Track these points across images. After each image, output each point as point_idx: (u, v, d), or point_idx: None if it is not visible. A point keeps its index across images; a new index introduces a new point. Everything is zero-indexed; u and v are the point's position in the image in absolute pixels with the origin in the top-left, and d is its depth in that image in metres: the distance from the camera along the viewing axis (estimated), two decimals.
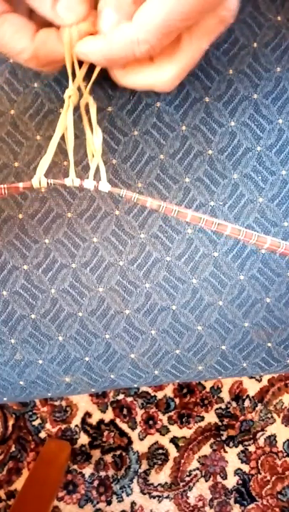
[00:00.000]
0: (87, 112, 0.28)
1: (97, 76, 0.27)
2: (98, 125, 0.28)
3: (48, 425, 0.89)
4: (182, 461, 0.90)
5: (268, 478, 0.91)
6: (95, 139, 0.28)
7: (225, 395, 0.90)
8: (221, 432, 0.90)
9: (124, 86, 0.27)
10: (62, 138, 0.33)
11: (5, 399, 0.37)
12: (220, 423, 0.90)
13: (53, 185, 0.28)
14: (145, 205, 0.27)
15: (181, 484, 0.90)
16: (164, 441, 0.90)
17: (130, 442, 0.90)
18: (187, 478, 0.90)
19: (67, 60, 0.25)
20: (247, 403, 0.91)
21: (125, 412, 0.89)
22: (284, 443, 0.91)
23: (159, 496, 0.90)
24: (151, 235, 0.34)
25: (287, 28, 0.33)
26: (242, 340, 0.36)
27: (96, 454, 0.90)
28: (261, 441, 0.91)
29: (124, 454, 0.90)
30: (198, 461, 0.91)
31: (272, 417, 0.91)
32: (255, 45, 0.33)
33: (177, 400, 0.90)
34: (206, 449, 0.91)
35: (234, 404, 0.90)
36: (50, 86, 0.32)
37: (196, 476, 0.91)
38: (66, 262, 0.34)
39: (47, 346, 0.35)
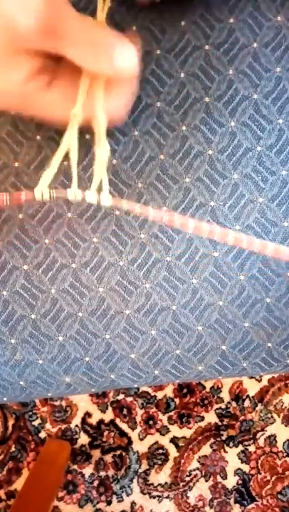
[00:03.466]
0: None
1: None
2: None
3: (48, 425, 0.89)
4: (182, 461, 0.90)
5: (268, 478, 0.91)
6: (101, 152, 0.28)
7: (225, 395, 0.90)
8: (221, 432, 0.90)
9: None
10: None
11: (5, 399, 0.37)
12: (220, 423, 0.90)
13: (55, 196, 0.28)
14: (147, 217, 0.27)
15: (181, 484, 0.90)
16: (164, 441, 0.90)
17: (130, 442, 0.90)
18: (187, 478, 0.90)
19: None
20: (247, 403, 0.91)
21: (125, 412, 0.89)
22: (284, 443, 0.91)
23: (159, 496, 0.90)
24: (151, 235, 0.34)
25: (288, 28, 0.33)
26: (242, 340, 0.36)
27: (96, 454, 0.90)
28: (261, 441, 0.91)
29: (124, 454, 0.90)
30: (198, 461, 0.91)
31: (272, 417, 0.91)
32: (255, 45, 0.33)
33: (177, 400, 0.90)
34: (206, 449, 0.91)
35: (234, 404, 0.91)
36: None
37: (196, 476, 0.91)
38: (66, 262, 0.34)
39: (47, 346, 0.35)
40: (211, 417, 0.90)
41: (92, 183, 0.28)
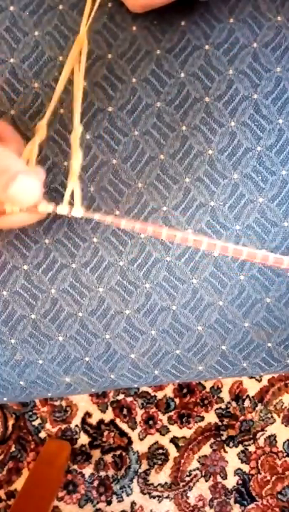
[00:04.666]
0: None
1: (97, 76, 0.27)
2: (98, 125, 0.28)
3: (48, 425, 0.89)
4: (182, 461, 0.90)
5: (268, 478, 0.91)
6: (74, 162, 0.28)
7: (225, 395, 0.90)
8: (221, 432, 0.90)
9: None
10: (64, 139, 0.33)
11: (5, 399, 0.37)
12: (220, 423, 0.90)
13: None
14: (120, 227, 0.28)
15: (181, 484, 0.90)
16: (164, 441, 0.90)
17: (130, 442, 0.90)
18: (187, 478, 0.90)
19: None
20: (247, 403, 0.91)
21: (125, 412, 0.89)
22: (284, 443, 0.91)
23: (159, 496, 0.90)
24: (151, 235, 0.34)
25: (287, 28, 0.33)
26: (242, 340, 0.36)
27: (96, 454, 0.90)
28: (261, 441, 0.91)
29: (124, 454, 0.90)
30: (198, 461, 0.90)
31: (272, 417, 0.91)
32: (255, 45, 0.33)
33: (177, 400, 0.90)
34: (206, 449, 0.91)
35: (234, 404, 0.90)
36: (50, 86, 0.32)
37: (196, 476, 0.91)
38: (66, 262, 0.34)
39: (47, 346, 0.35)
40: (211, 417, 0.90)
41: (65, 194, 0.28)
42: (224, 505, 0.91)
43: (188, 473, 0.90)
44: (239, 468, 0.91)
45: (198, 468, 0.91)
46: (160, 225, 0.34)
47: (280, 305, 0.35)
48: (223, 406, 0.90)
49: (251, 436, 0.91)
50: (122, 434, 0.90)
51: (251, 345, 0.36)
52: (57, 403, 0.89)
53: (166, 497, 0.90)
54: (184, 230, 0.34)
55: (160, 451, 0.90)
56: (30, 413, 0.89)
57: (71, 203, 0.28)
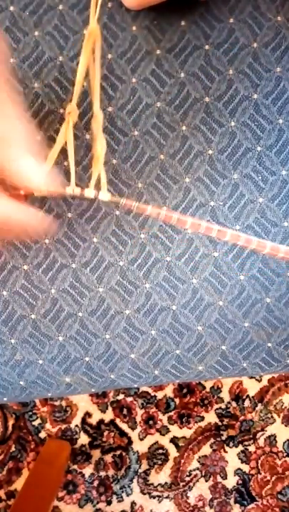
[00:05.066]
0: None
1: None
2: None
3: (48, 425, 0.89)
4: (182, 461, 0.90)
5: (268, 478, 0.91)
6: (98, 148, 0.28)
7: (225, 395, 0.90)
8: (221, 432, 0.90)
9: None
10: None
11: (5, 399, 0.37)
12: (220, 423, 0.90)
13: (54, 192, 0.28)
14: (145, 213, 0.27)
15: (181, 484, 0.90)
16: (164, 441, 0.90)
17: (130, 442, 0.90)
18: (187, 478, 0.90)
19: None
20: (247, 403, 0.91)
21: (125, 412, 0.89)
22: (284, 443, 0.91)
23: (159, 496, 0.90)
24: (151, 235, 0.34)
25: (287, 28, 0.33)
26: (242, 340, 0.36)
27: (96, 454, 0.90)
28: (261, 441, 0.91)
29: (124, 454, 0.90)
30: (198, 461, 0.91)
31: (272, 417, 0.91)
32: (255, 45, 0.33)
33: (177, 400, 0.90)
34: (206, 449, 0.91)
35: (234, 404, 0.90)
36: (50, 86, 0.32)
37: (196, 476, 0.91)
38: (66, 262, 0.34)
39: (47, 346, 0.35)
40: (211, 417, 0.90)
41: (92, 179, 0.28)
42: (224, 505, 0.91)
43: (188, 473, 0.90)
44: (239, 468, 0.91)
45: (198, 468, 0.91)
46: (184, 207, 0.34)
47: (280, 305, 0.35)
48: (223, 406, 0.90)
49: (251, 436, 0.91)
50: (122, 434, 0.90)
51: (251, 345, 0.36)
52: (57, 403, 0.89)
53: (166, 497, 0.90)
54: (183, 230, 0.34)
55: (160, 451, 0.90)
56: (30, 413, 0.89)
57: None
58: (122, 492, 0.90)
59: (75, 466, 0.89)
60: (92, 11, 0.27)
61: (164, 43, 0.32)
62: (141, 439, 0.90)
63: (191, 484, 0.91)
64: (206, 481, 0.91)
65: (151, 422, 0.90)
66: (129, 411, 0.89)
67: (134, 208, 0.27)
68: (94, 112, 0.28)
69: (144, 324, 0.35)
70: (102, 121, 0.28)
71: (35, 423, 0.89)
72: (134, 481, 0.90)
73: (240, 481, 0.91)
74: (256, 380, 0.91)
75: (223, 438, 0.91)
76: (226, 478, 0.91)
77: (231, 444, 0.91)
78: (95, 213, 0.33)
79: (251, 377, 0.91)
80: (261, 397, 0.91)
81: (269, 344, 0.36)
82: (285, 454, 0.91)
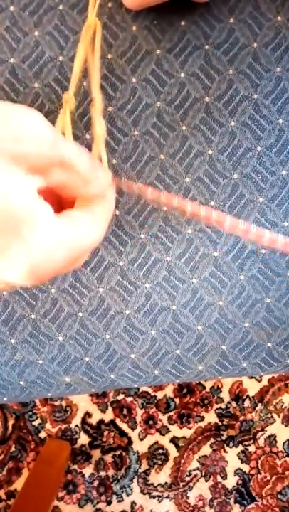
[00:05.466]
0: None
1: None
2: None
3: (48, 425, 0.89)
4: (182, 461, 0.90)
5: (268, 478, 0.91)
6: (97, 129, 0.28)
7: (225, 395, 0.90)
8: (221, 432, 0.90)
9: None
10: None
11: (5, 399, 0.37)
12: (220, 423, 0.90)
13: None
14: (146, 196, 0.27)
15: (181, 484, 0.90)
16: (164, 441, 0.90)
17: (130, 442, 0.90)
18: (187, 478, 0.90)
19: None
20: (247, 403, 0.91)
21: (125, 412, 0.89)
22: (284, 443, 0.91)
23: (159, 496, 0.90)
24: (151, 235, 0.34)
25: (287, 28, 0.33)
26: (242, 340, 0.36)
27: (96, 454, 0.90)
28: (261, 441, 0.91)
29: (124, 454, 0.90)
30: (198, 461, 0.91)
31: (272, 417, 0.91)
32: (255, 45, 0.33)
33: (177, 400, 0.90)
34: (206, 449, 0.91)
35: (234, 404, 0.91)
36: (50, 86, 0.32)
37: (196, 476, 0.91)
38: None
39: (47, 346, 0.35)
40: (211, 417, 0.90)
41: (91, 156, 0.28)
42: (224, 505, 0.91)
43: (188, 473, 0.90)
44: (239, 468, 0.91)
45: (198, 468, 0.91)
46: (183, 198, 0.33)
47: (280, 305, 0.35)
48: (223, 406, 0.90)
49: (251, 436, 0.91)
50: (122, 434, 0.90)
51: (251, 345, 0.36)
52: (57, 403, 0.89)
53: (166, 497, 0.90)
54: (183, 230, 0.34)
55: (160, 451, 0.90)
56: (30, 413, 0.89)
57: None
58: (122, 492, 0.90)
59: (75, 466, 0.89)
60: (90, 4, 0.27)
61: (164, 43, 0.32)
62: (141, 439, 0.90)
63: (191, 484, 0.91)
64: (206, 481, 0.91)
65: (151, 422, 0.90)
66: (129, 411, 0.89)
67: (135, 190, 0.26)
68: (93, 96, 0.28)
69: (144, 324, 0.35)
70: (100, 103, 0.28)
71: (35, 423, 0.89)
72: (134, 481, 0.90)
73: (240, 481, 0.91)
74: (256, 380, 0.91)
75: (223, 438, 0.91)
76: (226, 478, 0.91)
77: (231, 444, 0.91)
78: None
79: (251, 377, 0.91)
80: (261, 397, 0.91)
81: (269, 344, 0.36)
82: (285, 454, 0.91)
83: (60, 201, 0.24)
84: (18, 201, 0.18)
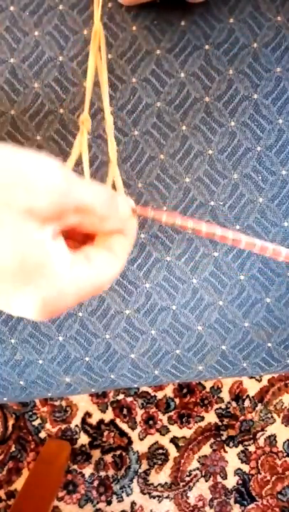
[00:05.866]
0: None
1: (97, 76, 0.27)
2: (98, 125, 0.28)
3: (48, 425, 0.89)
4: (182, 461, 0.90)
5: (268, 478, 0.91)
6: (110, 153, 0.28)
7: (225, 395, 0.90)
8: (221, 432, 0.90)
9: None
10: (64, 139, 0.33)
11: (5, 399, 0.37)
12: (220, 423, 0.90)
13: None
14: (160, 222, 0.26)
15: (181, 484, 0.90)
16: (164, 441, 0.90)
17: (130, 442, 0.90)
18: (187, 478, 0.90)
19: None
20: (247, 403, 0.91)
21: (125, 412, 0.89)
22: (284, 443, 0.91)
23: (159, 496, 0.90)
24: (151, 235, 0.34)
25: (287, 28, 0.33)
26: (242, 340, 0.36)
27: (96, 454, 0.90)
28: (261, 441, 0.91)
29: (124, 454, 0.90)
30: (198, 461, 0.91)
31: (272, 417, 0.91)
32: (255, 45, 0.33)
33: (177, 400, 0.90)
34: (206, 449, 0.91)
35: (234, 404, 0.90)
36: (50, 86, 0.32)
37: (196, 476, 0.91)
38: None
39: (47, 346, 0.35)
40: (211, 417, 0.90)
41: (107, 183, 0.28)
42: (224, 505, 0.91)
43: (188, 473, 0.90)
44: (239, 468, 0.91)
45: (198, 468, 0.91)
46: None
47: (280, 305, 0.35)
48: (223, 406, 0.90)
49: (251, 436, 0.91)
50: (122, 434, 0.90)
51: (251, 345, 0.36)
52: (57, 403, 0.89)
53: (166, 497, 0.90)
54: (183, 230, 0.34)
55: (160, 451, 0.90)
56: (30, 413, 0.89)
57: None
58: (122, 492, 0.90)
59: (75, 466, 0.89)
60: (95, 11, 0.27)
61: (164, 43, 0.32)
62: (141, 439, 0.90)
63: (191, 484, 0.91)
64: (206, 481, 0.91)
65: (151, 422, 0.90)
66: (129, 411, 0.89)
67: (150, 215, 0.26)
68: (105, 117, 0.28)
69: (144, 324, 0.35)
70: (112, 125, 0.28)
71: (35, 423, 0.89)
72: (134, 481, 0.90)
73: (240, 481, 0.91)
74: (256, 380, 0.91)
75: (223, 438, 0.91)
76: (226, 478, 0.91)
77: (231, 444, 0.91)
78: None
79: (251, 377, 0.91)
80: (261, 397, 0.91)
81: (269, 344, 0.36)
82: (285, 454, 0.91)
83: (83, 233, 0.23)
84: (31, 251, 0.18)
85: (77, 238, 0.23)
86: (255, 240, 0.24)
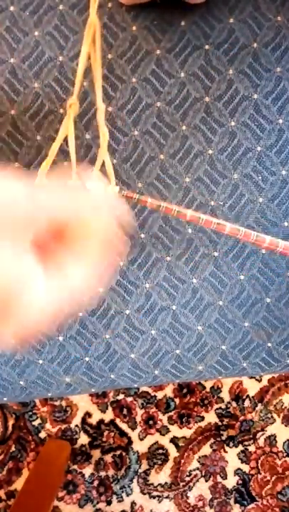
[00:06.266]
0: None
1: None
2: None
3: (48, 425, 0.89)
4: (182, 461, 0.90)
5: (268, 478, 0.91)
6: (101, 139, 0.28)
7: (225, 395, 0.90)
8: (221, 432, 0.90)
9: None
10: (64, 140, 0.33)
11: (5, 399, 0.37)
12: (220, 423, 0.90)
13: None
14: (145, 205, 0.27)
15: (181, 484, 0.90)
16: (164, 441, 0.90)
17: (130, 442, 0.90)
18: (187, 478, 0.90)
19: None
20: (247, 403, 0.91)
21: (125, 412, 0.89)
22: (284, 443, 0.91)
23: (159, 496, 0.90)
24: (151, 235, 0.34)
25: (287, 28, 0.33)
26: (242, 340, 0.36)
27: (96, 454, 0.90)
28: (261, 441, 0.91)
29: (124, 454, 0.90)
30: (198, 461, 0.90)
31: (272, 417, 0.91)
32: (255, 45, 0.33)
33: (177, 400, 0.90)
34: (206, 449, 0.91)
35: (234, 404, 0.90)
36: (50, 86, 0.32)
37: (196, 476, 0.90)
38: None
39: (47, 346, 0.35)
40: (211, 417, 0.90)
41: (95, 168, 0.28)
42: (224, 505, 0.91)
43: (188, 473, 0.90)
44: (239, 468, 0.91)
45: (198, 468, 0.91)
46: (184, 207, 0.34)
47: (280, 305, 0.35)
48: (223, 406, 0.90)
49: (251, 436, 0.91)
50: (122, 434, 0.89)
51: (251, 345, 0.36)
52: (57, 403, 0.89)
53: (166, 497, 0.90)
54: (183, 230, 0.34)
55: (160, 451, 0.90)
56: (30, 413, 0.89)
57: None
58: (122, 492, 0.90)
59: (75, 466, 0.89)
60: (92, 2, 0.27)
61: (164, 43, 0.32)
62: (141, 439, 0.90)
63: (191, 484, 0.91)
64: (206, 481, 0.91)
65: (151, 422, 0.90)
66: (129, 411, 0.89)
67: (135, 199, 0.26)
68: (97, 104, 0.28)
69: (144, 324, 0.35)
70: (104, 112, 0.28)
71: (35, 423, 0.89)
72: (134, 481, 0.90)
73: (240, 481, 0.91)
74: (256, 380, 0.91)
75: (223, 438, 0.91)
76: (226, 478, 0.91)
77: (231, 444, 0.91)
78: None
79: (251, 377, 0.91)
80: (261, 397, 0.91)
81: (269, 344, 0.36)
82: (285, 454, 0.91)
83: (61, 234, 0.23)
84: (2, 283, 0.18)
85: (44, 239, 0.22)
86: (239, 227, 0.25)
